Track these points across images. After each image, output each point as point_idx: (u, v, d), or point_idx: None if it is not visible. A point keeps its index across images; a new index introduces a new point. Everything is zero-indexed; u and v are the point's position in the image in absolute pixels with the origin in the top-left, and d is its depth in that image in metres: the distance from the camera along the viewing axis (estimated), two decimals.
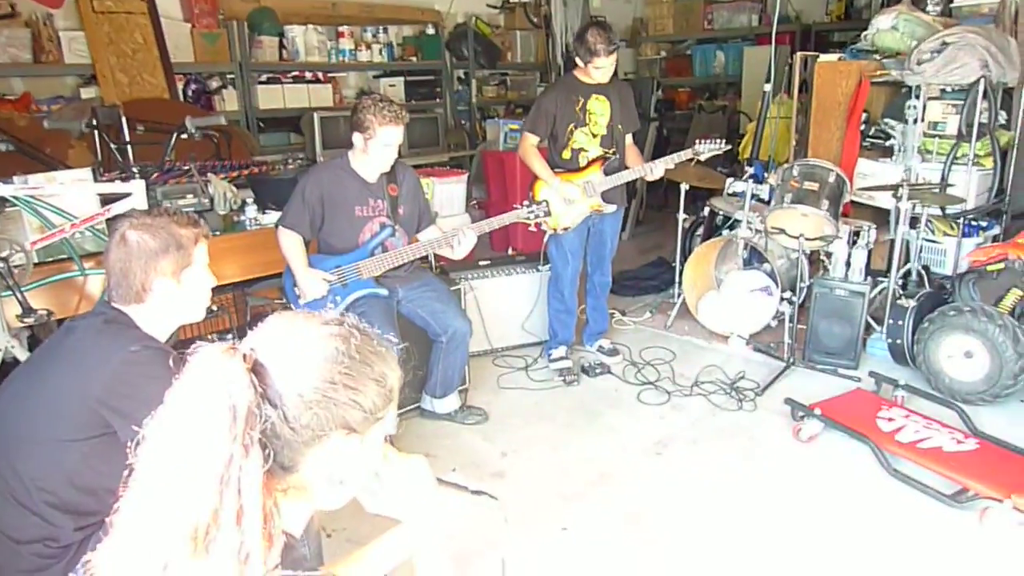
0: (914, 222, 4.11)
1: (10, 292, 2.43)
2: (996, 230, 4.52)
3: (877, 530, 2.44)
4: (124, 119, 3.85)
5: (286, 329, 0.91)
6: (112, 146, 3.28)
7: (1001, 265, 3.34)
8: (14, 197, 2.55)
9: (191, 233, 1.70)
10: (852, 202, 4.48)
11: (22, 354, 2.51)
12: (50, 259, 2.78)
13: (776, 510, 2.56)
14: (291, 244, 2.84)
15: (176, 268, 1.67)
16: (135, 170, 2.84)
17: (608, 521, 2.51)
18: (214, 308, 2.66)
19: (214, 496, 0.78)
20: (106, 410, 1.53)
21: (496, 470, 2.84)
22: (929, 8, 4.81)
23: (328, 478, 0.92)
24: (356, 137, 2.82)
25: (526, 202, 3.13)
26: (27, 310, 2.45)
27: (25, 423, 1.59)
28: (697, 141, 3.63)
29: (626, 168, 3.56)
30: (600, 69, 3.36)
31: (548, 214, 3.13)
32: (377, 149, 2.80)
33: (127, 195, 2.61)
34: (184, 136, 3.21)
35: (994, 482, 2.51)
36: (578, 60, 3.41)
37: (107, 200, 2.77)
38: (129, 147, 3.64)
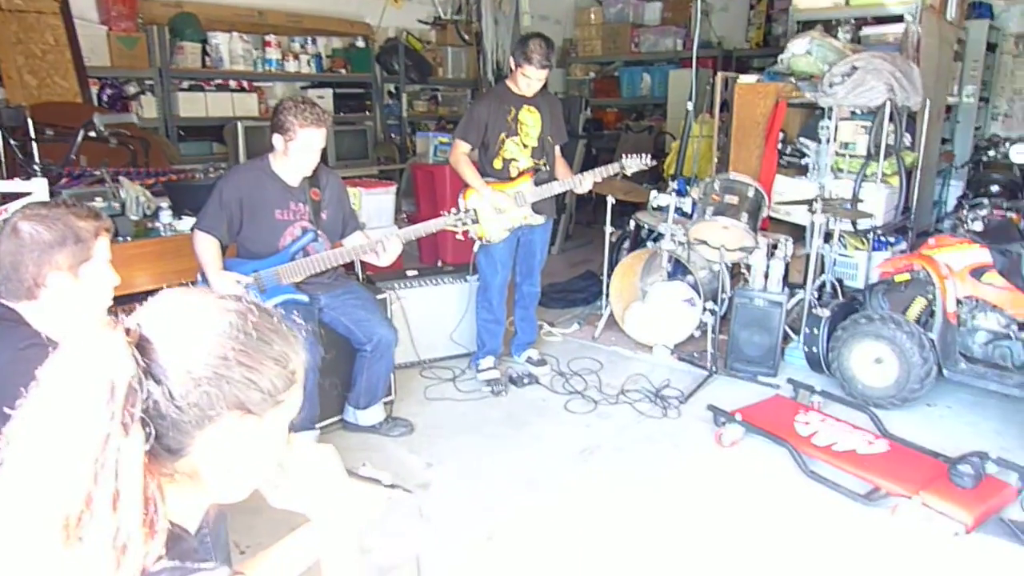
0: (828, 237, 4.29)
1: None
2: (903, 245, 4.77)
3: (795, 528, 2.50)
4: (31, 121, 3.66)
5: (177, 303, 0.85)
6: (13, 143, 3.07)
7: (907, 276, 3.51)
8: None
9: (91, 226, 1.60)
10: (771, 217, 4.65)
11: None
12: None
13: (699, 512, 2.59)
14: (206, 247, 2.73)
15: (73, 262, 1.57)
16: (36, 168, 2.67)
17: (533, 528, 2.49)
18: (123, 316, 2.54)
19: (88, 479, 0.71)
20: None
21: (421, 481, 2.78)
22: (840, 35, 5.08)
23: (222, 465, 0.85)
24: (276, 139, 2.75)
25: (454, 209, 3.11)
26: None
27: None
28: (623, 156, 3.70)
29: (556, 180, 3.59)
30: (528, 79, 3.39)
31: (476, 221, 3.11)
32: (298, 151, 2.73)
33: (26, 194, 2.45)
34: (92, 135, 3.05)
35: (903, 480, 2.61)
36: (512, 62, 3.43)
37: (6, 200, 2.61)
38: (35, 146, 3.45)
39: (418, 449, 3.04)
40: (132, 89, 5.35)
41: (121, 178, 3.18)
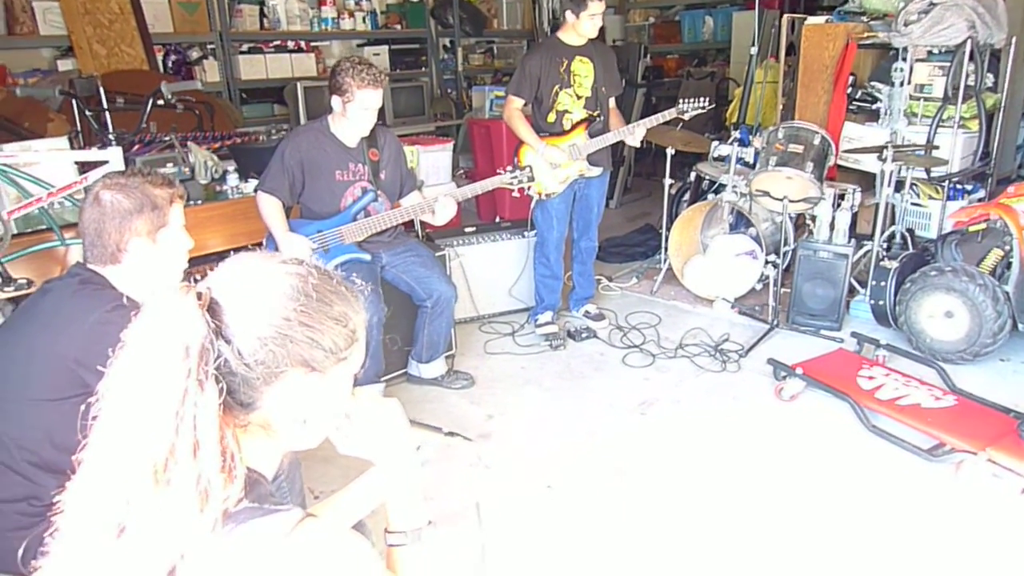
0: (899, 185, 4.12)
1: None
2: (981, 194, 4.54)
3: (856, 484, 2.48)
4: (102, 90, 3.81)
5: (243, 268, 0.91)
6: (88, 113, 3.22)
7: (983, 226, 3.36)
8: None
9: (166, 193, 1.69)
10: (839, 166, 4.48)
11: None
12: (29, 230, 2.76)
13: (757, 466, 2.60)
14: (271, 209, 2.82)
15: (151, 228, 1.66)
16: (111, 137, 2.80)
17: (592, 478, 2.55)
18: (197, 278, 2.68)
19: (171, 431, 0.79)
20: (83, 370, 1.53)
21: (482, 432, 2.87)
22: None
23: (291, 417, 0.92)
24: (335, 100, 2.80)
25: (509, 167, 3.12)
26: (7, 280, 2.44)
27: (1, 383, 1.59)
28: (680, 100, 3.62)
29: (610, 131, 3.55)
30: (594, 16, 3.33)
31: (531, 179, 3.11)
32: (355, 112, 2.77)
33: (103, 163, 2.58)
34: (160, 103, 3.17)
35: (970, 436, 2.55)
36: (568, 15, 3.37)
37: (85, 169, 2.75)
38: (108, 116, 3.60)
39: (479, 401, 3.13)
40: (195, 54, 5.49)
41: (189, 143, 3.29)
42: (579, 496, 2.46)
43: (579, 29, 3.38)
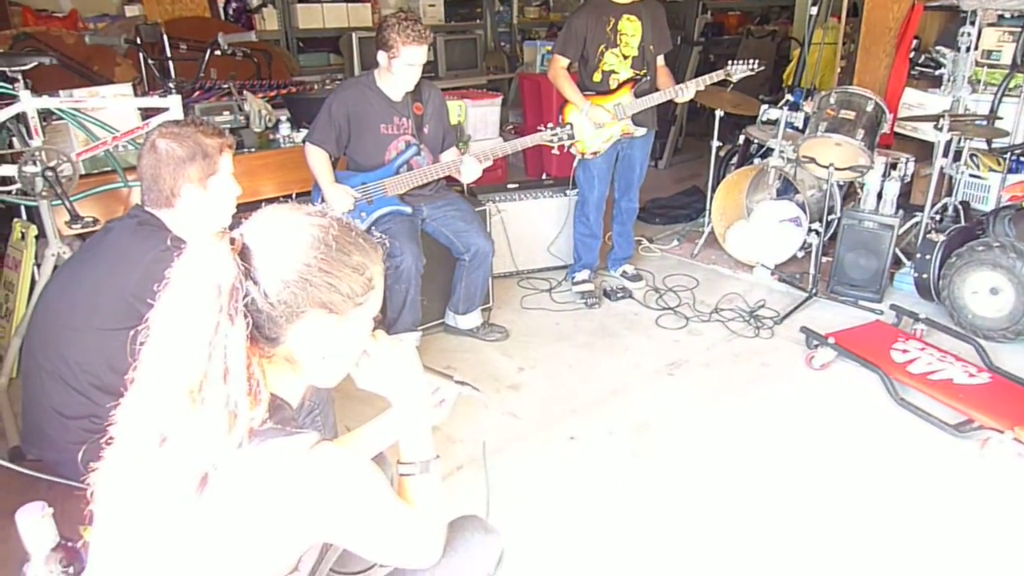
0: (957, 156, 4.00)
1: (59, 200, 2.59)
2: None
3: (879, 456, 2.50)
4: (166, 37, 3.96)
5: (273, 218, 1.02)
6: (151, 62, 3.36)
7: None
8: (59, 109, 2.69)
9: (216, 143, 1.81)
10: (897, 134, 4.36)
11: None
12: (96, 171, 2.94)
13: (781, 431, 2.64)
14: (318, 160, 2.93)
15: (202, 175, 1.79)
16: (171, 86, 2.93)
17: (615, 433, 2.64)
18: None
19: (204, 358, 0.91)
20: (139, 303, 1.67)
21: (512, 383, 2.98)
22: None
23: (313, 352, 1.03)
24: (380, 55, 2.86)
25: (550, 124, 3.15)
26: (75, 217, 2.62)
27: (68, 313, 1.76)
28: (730, 62, 3.56)
29: (657, 90, 3.52)
30: None
31: (572, 137, 3.14)
32: (401, 68, 2.84)
33: (164, 110, 2.72)
34: (217, 53, 3.28)
35: (999, 414, 2.54)
36: None
37: (147, 115, 2.90)
38: (171, 64, 3.75)
39: (511, 353, 3.23)
40: (255, 2, 5.59)
41: (245, 92, 3.42)
42: (600, 449, 2.55)
43: None
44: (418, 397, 1.18)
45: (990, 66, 4.20)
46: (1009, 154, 4.10)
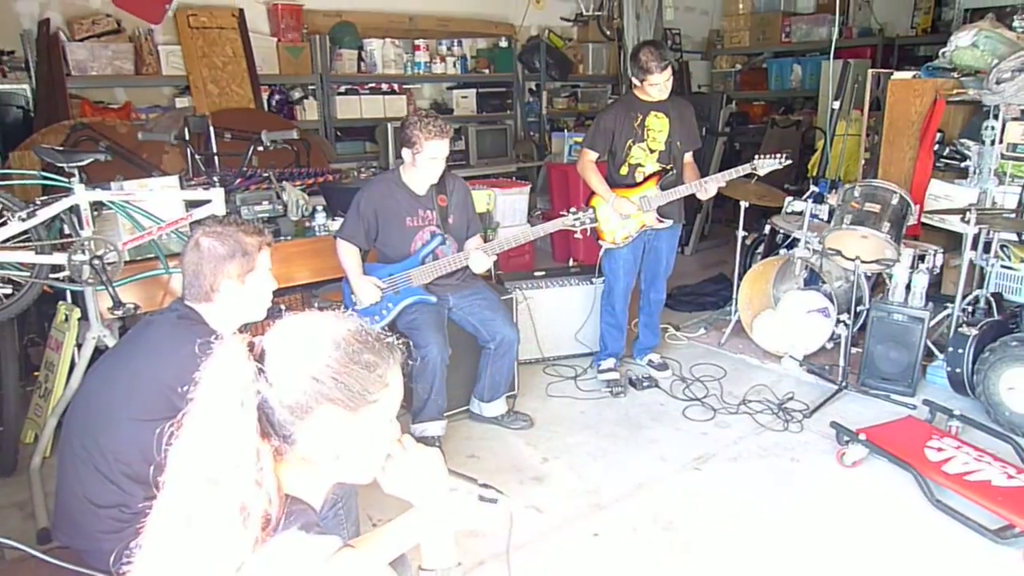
0: (988, 247, 3.98)
1: (103, 287, 2.71)
2: None
3: (915, 559, 2.42)
4: (212, 128, 4.19)
5: (292, 324, 1.10)
6: (198, 157, 3.55)
7: None
8: (110, 201, 2.84)
9: (255, 241, 1.90)
10: (925, 224, 4.37)
11: (112, 343, 2.79)
12: (139, 258, 3.07)
13: (811, 532, 2.57)
14: (347, 254, 3.05)
15: (241, 272, 1.87)
16: (215, 179, 3.09)
17: (639, 530, 2.58)
18: (282, 307, 2.90)
19: (217, 450, 0.98)
20: (175, 395, 1.71)
21: (536, 475, 2.95)
22: (1016, 24, 4.63)
23: (327, 450, 1.08)
24: (405, 152, 3.00)
25: (573, 208, 3.23)
26: (117, 303, 2.73)
27: (107, 402, 1.81)
28: (757, 156, 3.63)
29: (683, 183, 3.60)
30: (655, 86, 3.42)
31: (594, 220, 3.22)
32: (425, 162, 2.97)
33: (207, 202, 2.85)
34: (261, 148, 3.46)
35: None
36: (634, 80, 3.49)
37: (191, 205, 3.04)
38: (216, 158, 3.94)
39: (535, 443, 3.21)
40: (297, 94, 5.90)
41: (284, 183, 3.57)
42: (624, 547, 2.49)
43: (647, 92, 3.47)
44: (442, 504, 1.19)
45: (1015, 159, 4.23)
46: None
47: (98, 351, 2.77)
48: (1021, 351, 3.13)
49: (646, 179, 3.58)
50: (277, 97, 5.81)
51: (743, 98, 8.15)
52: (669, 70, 3.43)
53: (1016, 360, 3.14)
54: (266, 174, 3.90)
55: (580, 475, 2.95)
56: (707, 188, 3.53)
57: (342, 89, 6.11)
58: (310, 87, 5.95)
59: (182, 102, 5.24)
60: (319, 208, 3.66)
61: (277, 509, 1.01)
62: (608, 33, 7.55)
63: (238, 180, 3.92)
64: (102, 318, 2.83)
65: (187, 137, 3.71)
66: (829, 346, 3.89)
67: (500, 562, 2.33)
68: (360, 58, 6.10)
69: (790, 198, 4.16)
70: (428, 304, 3.03)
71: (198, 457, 1.00)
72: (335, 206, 3.76)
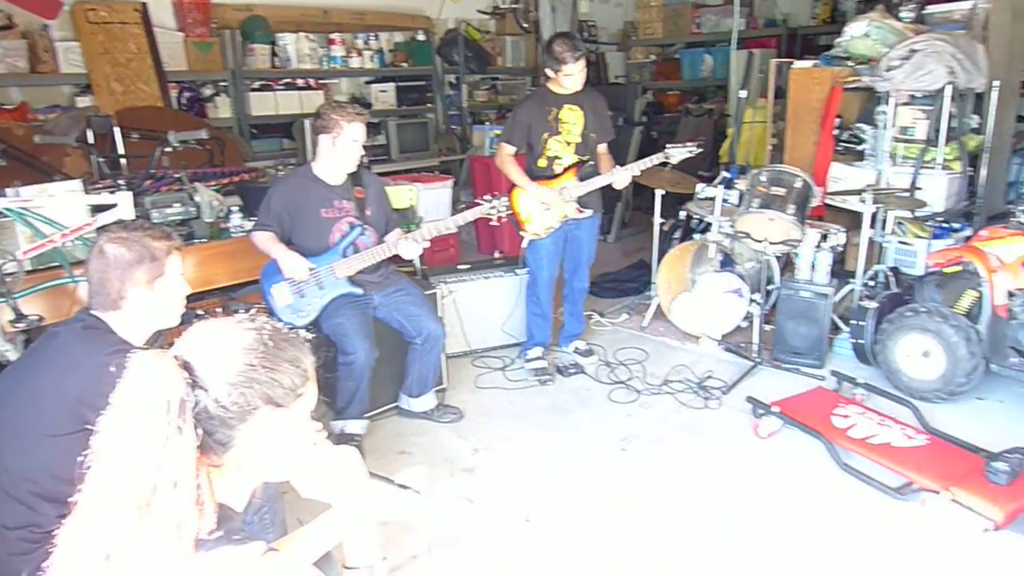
0: (885, 224, 4.24)
1: (3, 299, 2.57)
2: (968, 232, 4.62)
3: (824, 520, 2.57)
4: (118, 128, 4.01)
5: (206, 331, 1.09)
6: (102, 159, 3.41)
7: (959, 268, 3.46)
8: (7, 209, 2.70)
9: (164, 245, 1.84)
10: (828, 205, 4.61)
11: (16, 356, 2.65)
12: (42, 266, 2.93)
13: (731, 502, 2.69)
14: (266, 239, 3.00)
15: (150, 278, 1.82)
16: (121, 182, 2.97)
17: (569, 513, 2.65)
18: (200, 312, 2.82)
19: (154, 471, 0.94)
20: (84, 408, 1.66)
21: (467, 466, 2.98)
22: (902, 15, 4.92)
23: (263, 451, 1.08)
24: (323, 139, 2.99)
25: (487, 197, 3.27)
26: (19, 316, 2.60)
27: (10, 419, 1.74)
28: (668, 145, 3.74)
29: (599, 174, 3.67)
30: (570, 76, 3.48)
31: (509, 208, 3.27)
32: (346, 145, 2.97)
33: (114, 206, 2.75)
34: (168, 149, 3.34)
35: (936, 475, 2.64)
36: (548, 71, 3.54)
37: (97, 209, 2.91)
38: (123, 159, 3.78)
39: (466, 435, 3.24)
40: (207, 91, 5.71)
41: (196, 184, 3.47)
42: (556, 530, 2.56)
43: (561, 84, 3.53)
44: (363, 502, 1.20)
45: (907, 141, 4.51)
46: (931, 222, 4.37)
47: (1, 366, 2.63)
48: (915, 320, 3.35)
49: (565, 171, 3.64)
50: (187, 94, 5.61)
51: (658, 88, 8.36)
52: (583, 61, 3.49)
53: (910, 329, 3.36)
54: (177, 175, 3.77)
55: (510, 463, 3.00)
56: (622, 177, 3.62)
57: (256, 85, 5.95)
58: (222, 83, 5.78)
59: (83, 101, 5.00)
60: (235, 209, 3.56)
61: (211, 521, 1.00)
62: (525, 26, 7.61)
63: (147, 182, 3.78)
64: (4, 332, 2.68)
65: (90, 139, 3.53)
66: (744, 325, 4.06)
67: (433, 556, 2.38)
68: (274, 53, 5.95)
69: (701, 185, 4.32)
70: (354, 299, 3.01)
71: (125, 484, 0.96)
72: (252, 206, 3.67)
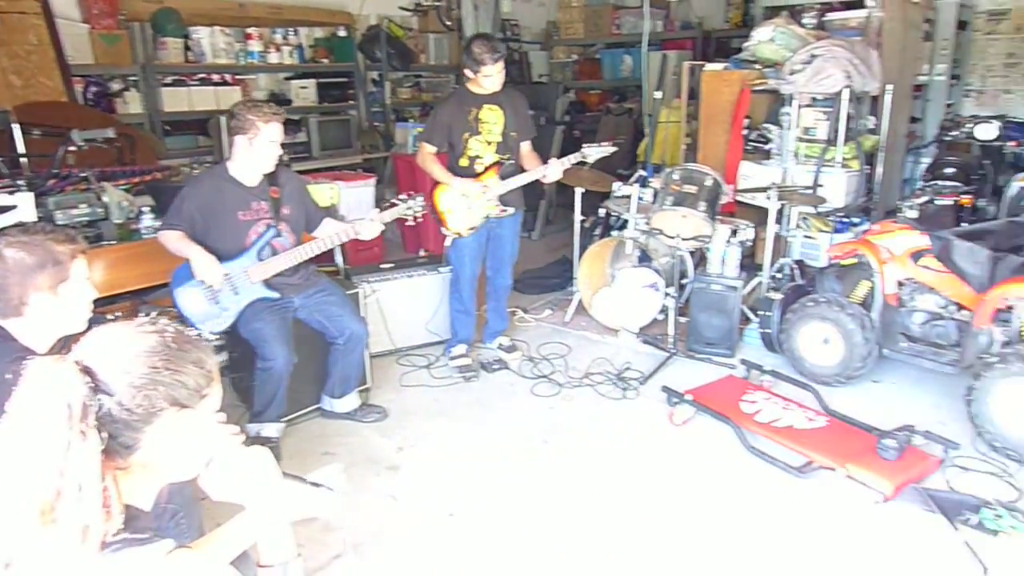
0: (789, 220, 4.47)
1: None
2: (867, 226, 4.94)
3: (734, 501, 2.72)
4: (17, 125, 3.81)
5: (107, 335, 1.10)
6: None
7: (855, 260, 3.70)
8: None
9: (67, 249, 1.79)
10: (739, 202, 4.83)
11: None
12: None
13: (647, 489, 2.81)
14: (175, 238, 2.88)
15: (53, 283, 1.76)
16: (22, 182, 2.85)
17: (492, 506, 2.71)
18: (109, 317, 2.72)
19: (56, 477, 0.94)
20: None
21: (391, 464, 3.00)
22: (805, 21, 5.20)
23: (170, 452, 1.09)
24: (239, 140, 2.92)
25: (401, 196, 3.29)
26: None
27: None
28: (585, 145, 3.84)
29: (523, 171, 3.73)
30: (489, 77, 3.53)
31: (423, 208, 3.29)
32: (263, 147, 2.91)
33: (13, 207, 2.63)
34: (72, 148, 3.22)
35: (833, 453, 2.83)
36: (468, 72, 3.58)
37: None
38: (24, 158, 3.60)
39: (390, 434, 3.25)
40: (116, 86, 5.49)
41: (104, 184, 3.35)
42: (479, 523, 2.61)
43: (480, 84, 3.58)
44: (275, 501, 1.22)
45: (809, 141, 4.77)
46: (833, 216, 4.64)
47: None
48: (815, 310, 3.56)
49: (486, 170, 3.69)
50: (94, 89, 5.38)
51: (580, 87, 8.52)
52: (502, 63, 3.55)
53: (811, 318, 3.57)
54: (84, 174, 3.62)
55: (435, 460, 3.03)
56: (548, 175, 3.69)
57: (168, 80, 5.76)
58: (131, 78, 5.56)
59: None
60: (146, 209, 3.45)
61: (117, 523, 1.00)
62: (448, 23, 7.62)
63: (51, 182, 3.62)
64: None
65: None
66: (660, 317, 4.21)
67: (356, 554, 2.40)
68: (187, 47, 5.77)
69: (618, 183, 4.45)
70: (272, 303, 2.96)
71: (27, 490, 0.95)
72: (164, 206, 3.55)
